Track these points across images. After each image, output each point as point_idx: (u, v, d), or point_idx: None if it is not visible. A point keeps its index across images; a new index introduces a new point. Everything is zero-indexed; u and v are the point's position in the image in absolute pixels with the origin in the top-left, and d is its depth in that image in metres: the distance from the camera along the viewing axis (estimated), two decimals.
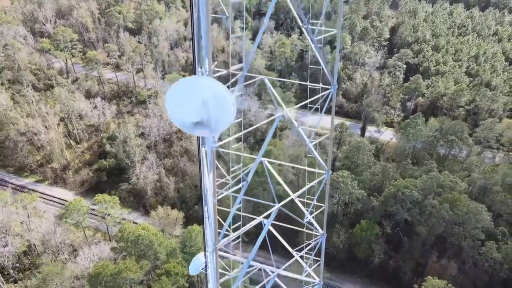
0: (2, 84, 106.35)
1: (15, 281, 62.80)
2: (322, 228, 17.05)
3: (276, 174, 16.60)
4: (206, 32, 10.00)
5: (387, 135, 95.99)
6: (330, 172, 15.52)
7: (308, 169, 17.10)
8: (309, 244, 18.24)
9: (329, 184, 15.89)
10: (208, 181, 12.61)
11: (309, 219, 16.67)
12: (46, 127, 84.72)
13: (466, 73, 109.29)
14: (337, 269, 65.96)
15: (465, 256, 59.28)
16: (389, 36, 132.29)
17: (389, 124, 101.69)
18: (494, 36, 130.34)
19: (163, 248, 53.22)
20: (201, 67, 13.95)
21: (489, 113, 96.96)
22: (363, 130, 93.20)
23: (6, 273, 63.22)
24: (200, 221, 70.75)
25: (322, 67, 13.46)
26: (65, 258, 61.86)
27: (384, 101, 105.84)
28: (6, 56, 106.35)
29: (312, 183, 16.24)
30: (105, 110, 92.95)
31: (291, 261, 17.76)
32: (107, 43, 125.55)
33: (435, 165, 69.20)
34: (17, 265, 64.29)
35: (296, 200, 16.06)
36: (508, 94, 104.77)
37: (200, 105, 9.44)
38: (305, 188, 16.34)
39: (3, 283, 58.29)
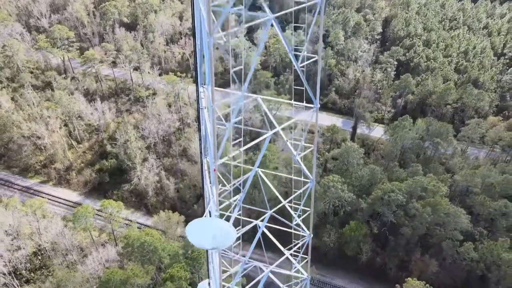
0: (1, 82, 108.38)
1: (27, 281, 67.25)
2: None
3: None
4: (214, 188, 13.60)
5: (378, 132, 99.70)
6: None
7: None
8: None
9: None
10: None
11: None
12: (48, 129, 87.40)
13: (455, 69, 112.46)
14: (328, 265, 71.01)
15: (445, 254, 64.24)
16: (381, 30, 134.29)
17: (380, 121, 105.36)
18: (484, 29, 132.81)
19: (167, 253, 57.50)
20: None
21: (476, 110, 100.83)
22: (354, 129, 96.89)
23: (18, 273, 67.64)
24: None
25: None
26: (74, 260, 66.14)
27: (376, 97, 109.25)
28: (5, 57, 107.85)
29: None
30: (105, 111, 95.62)
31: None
32: (103, 38, 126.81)
33: (420, 167, 73.45)
34: (28, 265, 68.60)
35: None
36: (495, 90, 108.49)
37: (211, 238, 13.39)
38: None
39: (17, 285, 62.57)
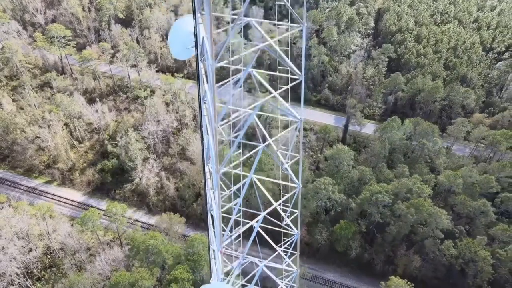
0: (0, 81, 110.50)
1: (38, 279, 71.88)
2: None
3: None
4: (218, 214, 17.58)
5: (370, 128, 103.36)
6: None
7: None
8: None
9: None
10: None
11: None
12: (50, 132, 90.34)
13: (444, 65, 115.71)
14: (320, 260, 76.28)
15: (428, 251, 69.39)
16: (374, 25, 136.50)
17: (372, 117, 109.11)
18: (475, 23, 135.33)
19: (170, 254, 62.00)
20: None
21: (462, 107, 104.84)
22: (346, 126, 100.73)
23: (29, 271, 72.20)
24: (199, 220, 79.46)
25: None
26: (82, 259, 70.65)
27: (367, 94, 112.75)
28: (3, 58, 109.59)
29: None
30: (104, 111, 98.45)
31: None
32: (99, 34, 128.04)
33: (407, 169, 77.87)
34: (39, 264, 73.08)
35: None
36: (482, 86, 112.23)
37: None
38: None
39: (30, 285, 67.13)
